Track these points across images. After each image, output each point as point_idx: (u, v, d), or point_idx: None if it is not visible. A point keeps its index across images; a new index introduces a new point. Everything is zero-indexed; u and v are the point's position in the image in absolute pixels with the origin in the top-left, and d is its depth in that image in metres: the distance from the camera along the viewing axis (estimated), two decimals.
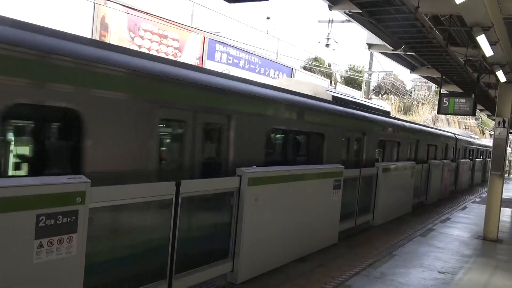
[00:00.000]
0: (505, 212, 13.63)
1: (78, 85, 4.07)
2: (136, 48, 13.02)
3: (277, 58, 23.51)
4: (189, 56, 15.27)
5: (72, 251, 3.60)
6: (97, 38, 11.94)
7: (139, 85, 4.70)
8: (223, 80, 6.05)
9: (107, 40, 12.33)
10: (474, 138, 26.79)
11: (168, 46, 14.55)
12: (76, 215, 3.60)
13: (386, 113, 12.58)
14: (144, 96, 4.74)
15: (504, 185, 10.70)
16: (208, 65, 15.62)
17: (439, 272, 7.01)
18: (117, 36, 12.86)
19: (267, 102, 6.79)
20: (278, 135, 7.76)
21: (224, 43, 17.53)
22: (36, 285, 3.41)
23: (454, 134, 20.25)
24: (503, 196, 10.27)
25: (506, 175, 27.28)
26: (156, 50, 13.93)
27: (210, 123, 5.77)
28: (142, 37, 13.64)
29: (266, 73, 20.03)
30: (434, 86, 49.36)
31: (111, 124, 4.44)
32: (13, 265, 3.27)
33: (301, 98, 7.93)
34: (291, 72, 21.96)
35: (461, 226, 11.17)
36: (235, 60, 17.93)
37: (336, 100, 9.53)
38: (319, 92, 9.26)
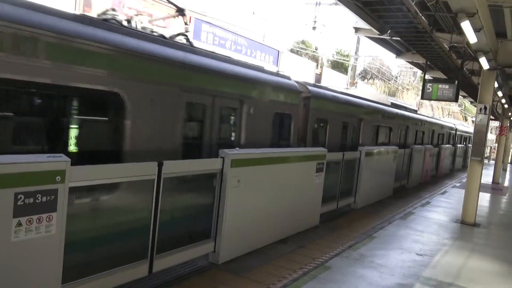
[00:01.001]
0: (483, 197, 13.96)
1: None
2: None
3: (263, 40, 23.30)
4: None
5: (51, 230, 3.58)
6: None
7: None
8: (371, 103, 12.00)
9: None
10: (467, 126, 32.86)
11: (152, 24, 14.28)
12: (55, 194, 3.57)
13: (415, 111, 19.49)
14: None
15: (484, 170, 10.90)
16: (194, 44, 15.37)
17: (417, 254, 7.17)
18: None
19: (373, 110, 12.28)
20: (375, 128, 12.71)
21: (210, 23, 17.29)
22: (15, 263, 3.39)
23: (454, 124, 26.14)
24: (482, 182, 10.50)
25: (486, 161, 28.55)
26: None
27: (348, 123, 10.73)
28: (126, 15, 13.35)
29: (253, 55, 19.85)
30: (419, 72, 49.60)
31: None
32: None
33: (383, 107, 13.29)
34: (277, 55, 21.79)
35: (440, 210, 11.41)
36: (221, 41, 17.72)
37: (393, 105, 15.10)
38: (383, 100, 14.56)
